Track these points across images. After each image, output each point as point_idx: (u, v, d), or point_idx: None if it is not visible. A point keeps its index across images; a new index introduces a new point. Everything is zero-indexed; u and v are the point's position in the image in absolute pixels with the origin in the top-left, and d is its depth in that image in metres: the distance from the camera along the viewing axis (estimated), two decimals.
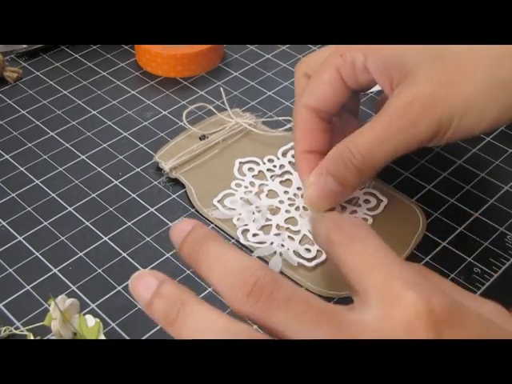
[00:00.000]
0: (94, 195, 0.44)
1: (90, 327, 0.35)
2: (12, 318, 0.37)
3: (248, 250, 0.41)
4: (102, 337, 0.35)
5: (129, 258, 0.40)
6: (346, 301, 0.38)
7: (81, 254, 0.40)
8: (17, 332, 0.36)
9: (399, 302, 0.27)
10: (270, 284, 0.28)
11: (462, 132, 0.36)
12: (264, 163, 0.46)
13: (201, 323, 0.28)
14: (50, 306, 0.35)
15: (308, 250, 0.40)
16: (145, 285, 0.29)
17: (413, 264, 0.33)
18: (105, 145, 0.48)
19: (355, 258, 0.30)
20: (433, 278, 0.32)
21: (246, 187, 0.44)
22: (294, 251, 0.40)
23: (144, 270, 0.30)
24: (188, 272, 0.39)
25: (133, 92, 0.53)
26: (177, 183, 0.45)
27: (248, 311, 0.28)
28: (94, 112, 0.51)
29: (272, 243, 0.40)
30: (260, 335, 0.27)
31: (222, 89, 0.51)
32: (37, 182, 0.45)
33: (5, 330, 0.36)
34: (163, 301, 0.28)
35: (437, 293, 0.28)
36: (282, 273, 0.39)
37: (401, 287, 0.27)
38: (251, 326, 0.27)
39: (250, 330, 0.27)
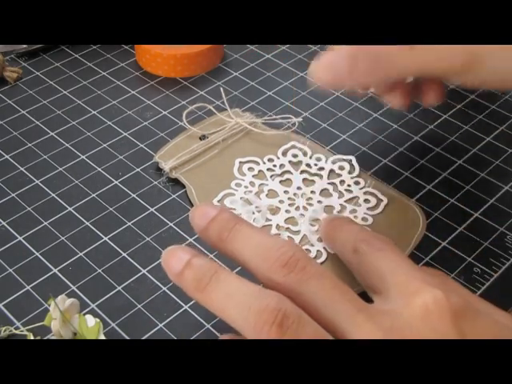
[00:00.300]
0: (94, 195, 0.44)
1: (90, 327, 0.35)
2: (12, 318, 0.37)
3: None
4: (102, 337, 0.35)
5: (129, 258, 0.40)
6: None
7: (81, 254, 0.40)
8: (17, 332, 0.36)
9: (419, 293, 0.29)
10: (304, 259, 0.30)
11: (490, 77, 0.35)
12: (264, 163, 0.46)
13: (233, 287, 0.29)
14: (50, 306, 0.35)
15: (308, 251, 0.40)
16: (177, 258, 0.31)
17: (433, 270, 0.36)
18: (105, 145, 0.48)
19: (380, 265, 0.32)
20: (452, 285, 0.34)
21: (246, 187, 0.44)
22: None
23: (176, 245, 0.31)
24: None
25: (133, 92, 0.53)
26: (177, 183, 0.45)
27: (280, 280, 0.30)
28: (94, 112, 0.51)
29: None
30: (289, 304, 0.28)
31: (221, 89, 0.51)
32: (37, 182, 0.45)
33: (5, 330, 0.36)
34: (195, 270, 0.30)
35: (454, 293, 0.30)
36: None
37: (420, 285, 0.30)
38: (280, 300, 0.28)
39: (280, 297, 0.28)
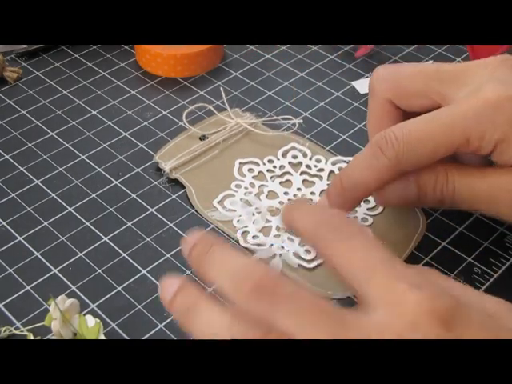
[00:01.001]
0: (94, 195, 0.44)
1: (90, 327, 0.35)
2: (12, 318, 0.37)
3: (249, 251, 0.41)
4: (102, 337, 0.35)
5: (129, 259, 0.40)
6: (347, 301, 0.38)
7: (81, 254, 0.40)
8: (17, 332, 0.36)
9: (404, 302, 0.27)
10: (274, 280, 0.28)
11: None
12: (264, 164, 0.46)
13: (205, 322, 0.29)
14: (50, 306, 0.35)
15: (308, 252, 0.40)
16: (167, 286, 0.31)
17: (413, 266, 0.33)
18: (105, 145, 0.48)
19: (351, 259, 0.29)
20: (435, 278, 0.31)
21: (245, 188, 0.44)
22: (293, 253, 0.40)
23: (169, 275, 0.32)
24: (188, 272, 0.39)
25: (133, 92, 0.53)
26: (177, 184, 0.45)
27: (252, 306, 0.28)
28: (94, 112, 0.51)
29: (272, 245, 0.41)
30: (261, 335, 0.27)
31: (222, 89, 0.51)
32: (37, 182, 0.45)
33: (5, 330, 0.36)
34: (180, 301, 0.30)
35: (440, 293, 0.27)
36: None
37: (404, 289, 0.27)
38: (255, 327, 0.28)
39: (254, 330, 0.27)
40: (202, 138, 0.48)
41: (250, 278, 0.29)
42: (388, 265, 0.28)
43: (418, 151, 0.36)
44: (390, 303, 0.27)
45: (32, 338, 0.36)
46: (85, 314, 0.36)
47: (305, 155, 0.47)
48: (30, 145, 0.48)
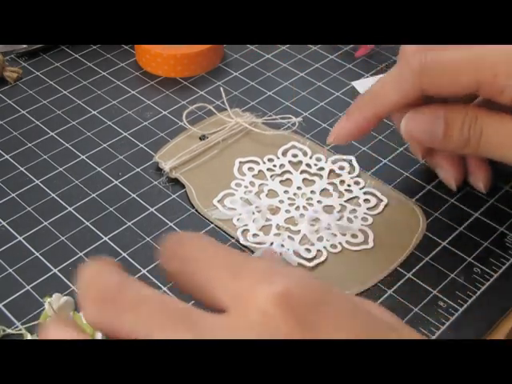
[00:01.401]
0: (94, 195, 0.44)
1: (85, 324, 0.35)
2: (12, 317, 0.37)
3: (248, 250, 0.41)
4: (98, 333, 0.35)
5: (129, 258, 0.40)
6: None
7: (81, 254, 0.40)
8: (12, 332, 0.36)
9: (252, 298, 0.25)
10: (114, 288, 0.26)
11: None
12: (264, 163, 0.46)
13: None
14: (45, 303, 0.35)
15: (308, 250, 0.40)
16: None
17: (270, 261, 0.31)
18: (105, 145, 0.48)
19: (195, 281, 0.27)
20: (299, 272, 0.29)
21: (246, 187, 0.44)
22: (293, 251, 0.40)
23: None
24: None
25: (133, 92, 0.53)
26: (177, 183, 0.45)
27: (96, 320, 0.27)
28: (93, 112, 0.51)
29: (272, 243, 0.41)
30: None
31: (222, 89, 0.51)
32: (37, 182, 0.45)
33: None
34: None
35: (289, 277, 0.26)
36: None
37: (249, 283, 0.25)
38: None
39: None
40: (202, 137, 0.48)
41: (91, 290, 0.26)
42: (229, 264, 0.27)
43: (445, 72, 0.36)
44: (240, 302, 0.25)
45: (29, 337, 0.36)
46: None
47: (305, 154, 0.47)
48: (30, 145, 0.48)
